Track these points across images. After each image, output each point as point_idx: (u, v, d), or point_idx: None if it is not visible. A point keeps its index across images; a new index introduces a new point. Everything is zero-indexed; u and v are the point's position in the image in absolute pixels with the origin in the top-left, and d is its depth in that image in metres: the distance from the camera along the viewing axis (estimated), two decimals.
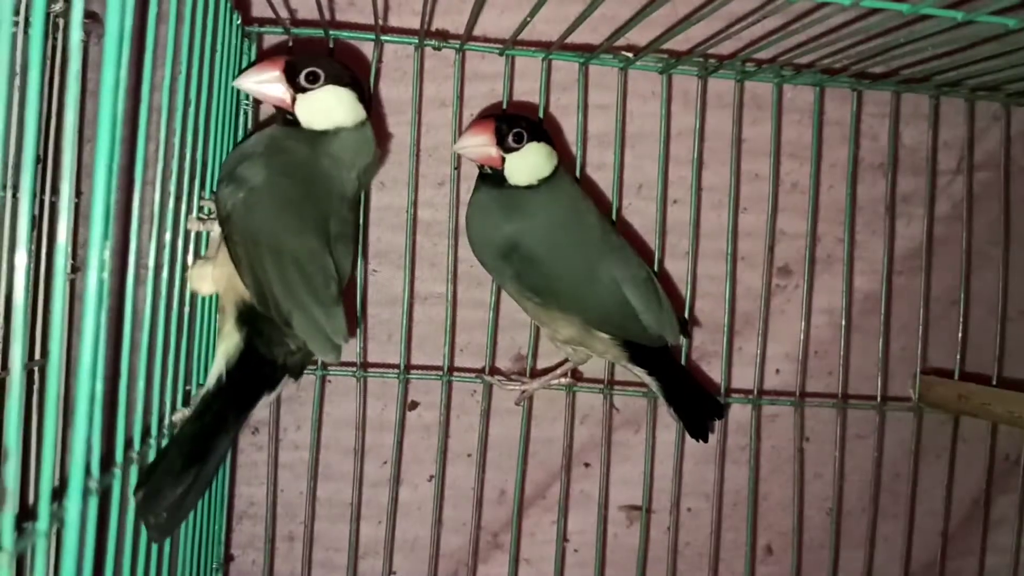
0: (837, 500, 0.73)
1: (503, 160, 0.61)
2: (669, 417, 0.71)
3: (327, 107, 0.56)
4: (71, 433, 0.32)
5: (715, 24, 0.68)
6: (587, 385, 0.71)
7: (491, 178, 0.63)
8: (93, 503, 0.34)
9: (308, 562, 0.70)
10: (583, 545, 0.73)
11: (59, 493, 0.32)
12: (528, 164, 0.62)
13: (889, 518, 0.75)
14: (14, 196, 0.54)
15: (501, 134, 0.61)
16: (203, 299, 0.55)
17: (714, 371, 0.74)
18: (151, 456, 0.43)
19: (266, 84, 0.55)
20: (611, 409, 0.73)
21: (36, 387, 0.57)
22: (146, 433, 0.42)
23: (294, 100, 0.56)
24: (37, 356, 0.58)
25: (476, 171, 0.71)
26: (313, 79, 0.56)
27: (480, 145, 0.61)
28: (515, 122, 0.61)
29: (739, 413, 0.74)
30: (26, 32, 0.54)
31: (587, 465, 0.74)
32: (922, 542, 0.75)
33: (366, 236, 0.70)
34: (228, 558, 0.70)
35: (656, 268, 0.71)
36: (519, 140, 0.61)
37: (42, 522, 0.30)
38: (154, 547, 0.47)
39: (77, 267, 0.61)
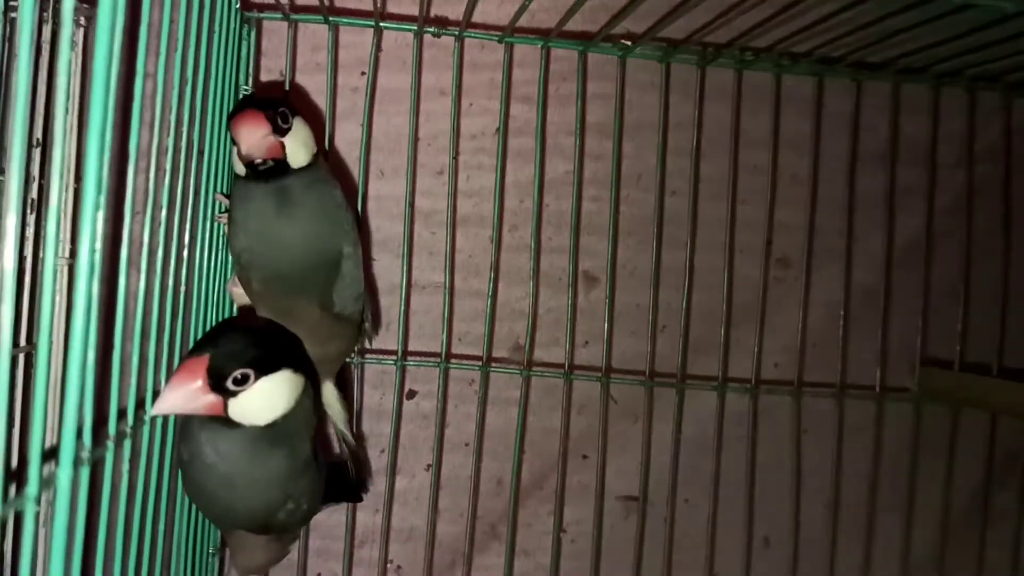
0: (835, 492, 0.73)
1: (225, 407, 0.47)
2: (667, 408, 0.72)
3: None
4: (64, 403, 0.32)
5: (713, 12, 0.68)
6: (584, 374, 0.71)
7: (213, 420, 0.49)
8: (85, 474, 0.34)
9: (305, 549, 0.70)
10: (580, 536, 0.73)
11: (52, 459, 0.32)
12: (257, 406, 0.49)
13: (888, 511, 0.75)
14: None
15: (219, 374, 0.46)
16: (199, 279, 0.55)
17: (712, 362, 0.73)
18: (145, 431, 0.43)
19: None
20: (608, 399, 0.73)
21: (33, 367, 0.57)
22: (139, 407, 0.42)
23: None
24: (34, 338, 0.58)
25: (477, 159, 0.72)
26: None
27: (188, 397, 0.46)
28: (234, 356, 0.47)
29: (737, 403, 0.73)
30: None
31: (585, 457, 0.73)
32: (921, 535, 0.75)
33: (366, 224, 0.70)
34: (224, 544, 0.70)
35: (654, 258, 0.71)
36: (243, 381, 0.47)
37: (32, 486, 0.30)
38: (148, 531, 0.47)
39: (74, 251, 0.61)
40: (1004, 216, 0.75)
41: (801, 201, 0.74)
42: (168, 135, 0.46)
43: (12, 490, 0.31)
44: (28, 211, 0.60)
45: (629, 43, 0.68)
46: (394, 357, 0.69)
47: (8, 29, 0.58)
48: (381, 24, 0.67)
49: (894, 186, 0.75)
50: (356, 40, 0.70)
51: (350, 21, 0.67)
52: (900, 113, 0.75)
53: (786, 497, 0.74)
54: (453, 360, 0.71)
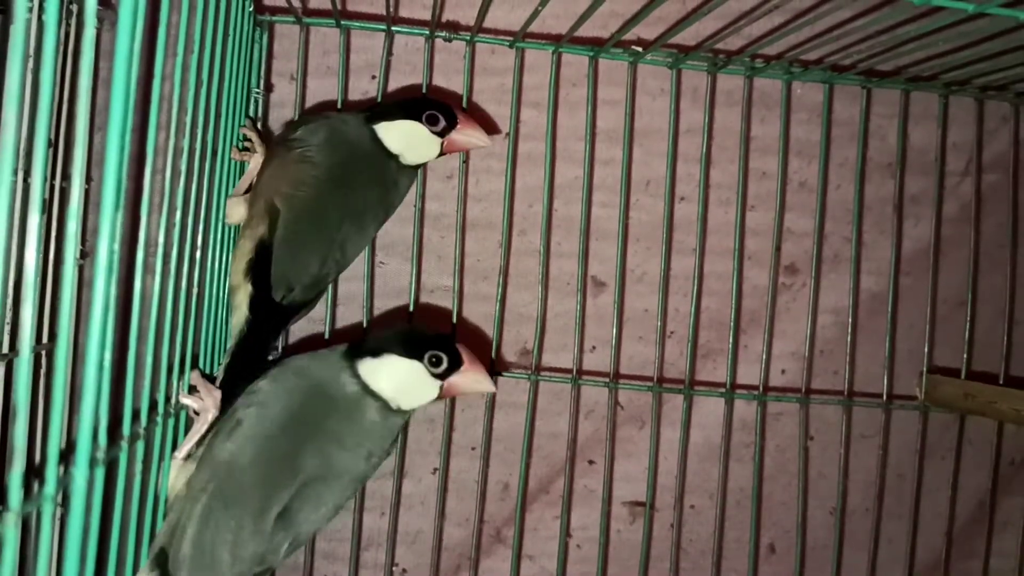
0: (841, 500, 0.73)
1: None
2: (674, 414, 0.72)
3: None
4: (78, 404, 0.32)
5: (724, 19, 0.68)
6: (592, 379, 0.71)
7: None
8: (100, 474, 0.34)
9: (311, 552, 0.70)
10: (586, 541, 0.73)
11: (67, 462, 0.32)
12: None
13: (893, 519, 0.75)
14: (26, 180, 0.54)
15: None
16: (212, 280, 0.55)
17: (720, 368, 0.73)
18: (157, 432, 0.43)
19: None
20: (615, 405, 0.73)
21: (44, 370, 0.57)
22: (152, 409, 0.42)
23: None
24: (46, 340, 0.58)
25: (486, 163, 0.72)
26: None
27: None
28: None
29: (744, 410, 0.73)
30: (40, 18, 0.54)
31: (591, 462, 0.73)
32: (926, 543, 0.75)
33: None
34: None
35: (663, 264, 0.71)
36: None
37: (49, 486, 0.30)
38: (159, 528, 0.47)
39: (86, 252, 0.61)
40: (1012, 225, 0.75)
41: (810, 208, 0.74)
42: (183, 136, 0.46)
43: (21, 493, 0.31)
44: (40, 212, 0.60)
45: (640, 49, 0.68)
46: None
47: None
48: (393, 28, 0.68)
49: (902, 194, 0.75)
50: (367, 44, 0.70)
51: (362, 25, 0.68)
52: (909, 121, 0.75)
53: (792, 504, 0.74)
54: None
